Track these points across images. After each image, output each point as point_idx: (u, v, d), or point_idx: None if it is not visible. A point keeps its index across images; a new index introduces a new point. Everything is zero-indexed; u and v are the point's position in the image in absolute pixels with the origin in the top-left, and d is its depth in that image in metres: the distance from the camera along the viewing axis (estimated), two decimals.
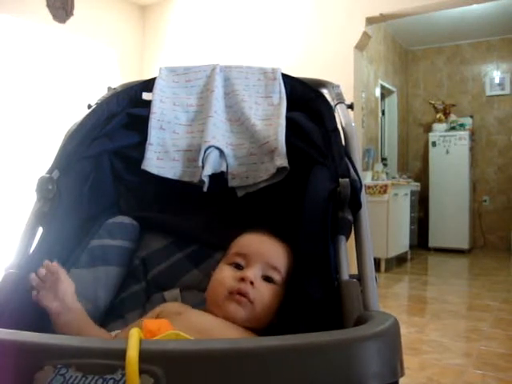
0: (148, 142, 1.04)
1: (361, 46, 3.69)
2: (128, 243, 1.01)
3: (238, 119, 1.09)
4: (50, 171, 0.92)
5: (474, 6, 4.52)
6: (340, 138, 0.95)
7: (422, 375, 1.96)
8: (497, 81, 6.04)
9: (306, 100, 1.07)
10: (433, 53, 6.49)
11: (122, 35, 4.64)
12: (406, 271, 4.63)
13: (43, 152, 3.53)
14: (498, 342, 2.39)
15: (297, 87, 1.11)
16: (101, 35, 4.36)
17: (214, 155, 1.00)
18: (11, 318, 0.74)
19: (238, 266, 0.83)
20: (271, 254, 0.84)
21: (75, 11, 4.11)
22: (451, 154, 5.71)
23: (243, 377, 0.44)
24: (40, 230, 0.90)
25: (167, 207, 1.09)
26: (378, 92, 5.66)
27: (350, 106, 1.10)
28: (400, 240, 4.79)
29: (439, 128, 5.92)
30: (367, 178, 4.73)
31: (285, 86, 1.11)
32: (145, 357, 0.43)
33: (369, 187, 4.48)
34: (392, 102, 6.28)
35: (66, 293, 0.76)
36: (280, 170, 0.96)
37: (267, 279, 0.82)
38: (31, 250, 0.86)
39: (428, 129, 6.21)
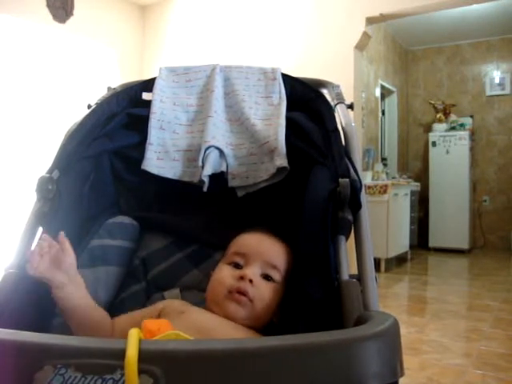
0: (148, 141, 1.04)
1: (361, 46, 3.69)
2: (128, 243, 1.01)
3: (237, 119, 1.09)
4: (50, 171, 0.92)
5: (474, 6, 4.52)
6: (340, 138, 0.95)
7: (422, 375, 1.96)
8: (497, 81, 6.04)
9: (305, 100, 1.07)
10: (433, 53, 6.49)
11: (122, 35, 4.65)
12: (406, 271, 4.63)
13: (43, 152, 3.53)
14: (498, 342, 2.39)
15: (297, 87, 1.11)
16: (101, 35, 4.36)
17: (213, 155, 1.00)
18: (11, 318, 0.74)
19: (237, 266, 0.83)
20: (270, 252, 0.84)
21: (75, 11, 4.11)
22: (451, 154, 5.71)
23: (243, 377, 0.44)
24: (40, 230, 0.90)
25: (167, 207, 1.09)
26: (378, 92, 5.66)
27: (350, 106, 1.10)
28: (400, 240, 4.79)
29: (439, 128, 5.92)
30: (367, 178, 4.73)
31: (285, 85, 1.11)
32: (144, 357, 0.43)
33: (369, 187, 4.48)
34: (392, 101, 6.28)
35: (71, 265, 0.76)
36: (280, 170, 0.96)
37: (266, 278, 0.82)
38: None
39: (428, 129, 6.21)
